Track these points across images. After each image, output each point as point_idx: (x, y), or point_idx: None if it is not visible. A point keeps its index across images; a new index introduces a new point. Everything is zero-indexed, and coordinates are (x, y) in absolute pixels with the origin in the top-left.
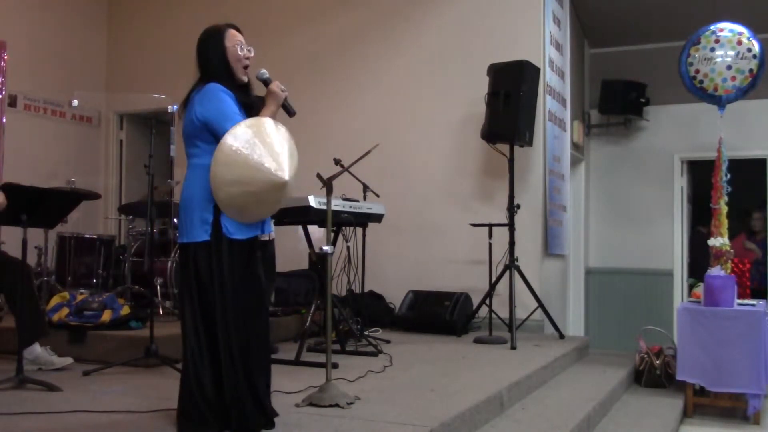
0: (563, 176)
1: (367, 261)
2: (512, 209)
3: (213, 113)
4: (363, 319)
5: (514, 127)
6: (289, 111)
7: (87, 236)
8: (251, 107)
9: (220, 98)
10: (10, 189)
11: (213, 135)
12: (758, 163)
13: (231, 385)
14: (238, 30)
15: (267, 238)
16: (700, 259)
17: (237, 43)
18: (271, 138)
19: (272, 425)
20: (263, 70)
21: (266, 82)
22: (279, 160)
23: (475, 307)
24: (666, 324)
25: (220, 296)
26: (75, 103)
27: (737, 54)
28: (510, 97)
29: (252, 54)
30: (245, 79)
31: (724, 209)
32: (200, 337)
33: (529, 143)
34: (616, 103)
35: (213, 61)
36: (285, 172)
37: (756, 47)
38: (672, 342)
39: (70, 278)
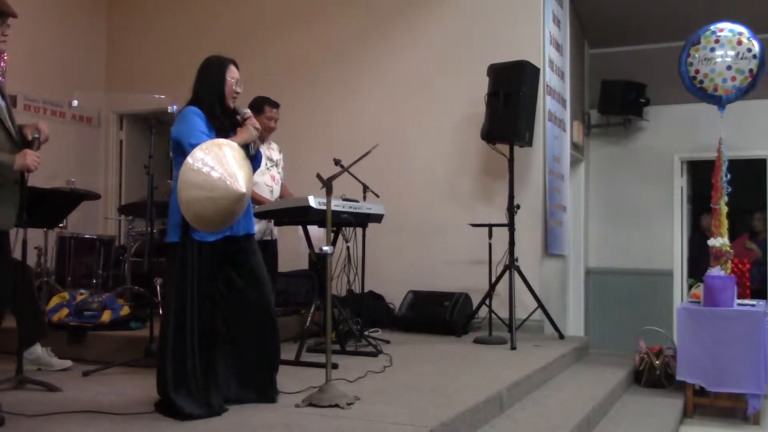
0: (563, 176)
1: (367, 261)
2: (512, 209)
3: (182, 131)
4: (363, 319)
5: (514, 127)
6: (249, 152)
7: (87, 236)
8: (222, 131)
9: (191, 119)
10: None
11: (182, 149)
12: (758, 163)
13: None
14: (236, 66)
15: (269, 238)
16: (699, 257)
17: (234, 78)
18: (233, 157)
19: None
20: (247, 110)
21: (245, 121)
22: (238, 175)
23: (475, 307)
24: (666, 324)
25: (188, 291)
26: (75, 103)
27: (737, 54)
28: (510, 98)
29: (241, 90)
30: (232, 105)
31: (724, 209)
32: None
33: (529, 143)
34: (615, 103)
35: (210, 88)
36: (243, 186)
37: (756, 47)
38: (672, 342)
39: (70, 278)
